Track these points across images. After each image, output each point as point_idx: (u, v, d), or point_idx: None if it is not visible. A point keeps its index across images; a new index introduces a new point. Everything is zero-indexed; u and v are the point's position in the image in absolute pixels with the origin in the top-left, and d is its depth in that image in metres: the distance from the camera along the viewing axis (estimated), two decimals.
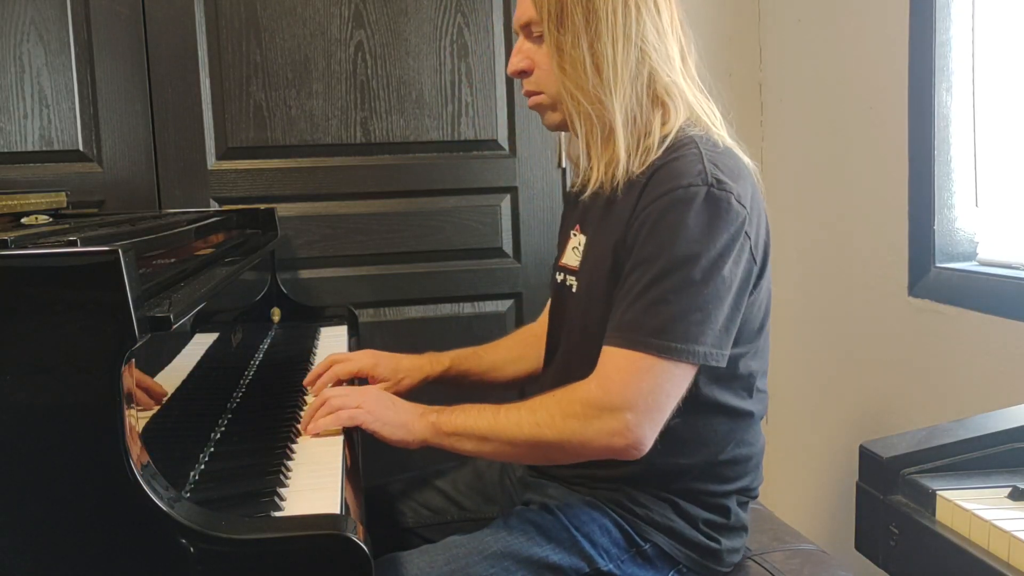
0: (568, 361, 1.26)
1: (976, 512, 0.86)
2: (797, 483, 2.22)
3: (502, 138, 2.13)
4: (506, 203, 2.15)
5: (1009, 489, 0.91)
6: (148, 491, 0.78)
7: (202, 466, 1.04)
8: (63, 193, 1.56)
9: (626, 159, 1.14)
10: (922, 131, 1.65)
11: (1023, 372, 1.43)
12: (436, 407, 1.18)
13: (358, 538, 0.80)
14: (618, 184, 1.15)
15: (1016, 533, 0.81)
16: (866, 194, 1.85)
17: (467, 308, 2.15)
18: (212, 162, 1.99)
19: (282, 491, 0.96)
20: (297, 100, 2.02)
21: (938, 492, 0.92)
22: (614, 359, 1.09)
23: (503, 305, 2.16)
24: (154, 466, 0.81)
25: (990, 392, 1.50)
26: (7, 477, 0.77)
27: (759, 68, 2.25)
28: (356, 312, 1.95)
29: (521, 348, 1.46)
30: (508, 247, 2.16)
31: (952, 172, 1.63)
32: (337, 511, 0.92)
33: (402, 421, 1.17)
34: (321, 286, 2.07)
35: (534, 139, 2.14)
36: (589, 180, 1.18)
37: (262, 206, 1.95)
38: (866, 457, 1.03)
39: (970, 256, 1.65)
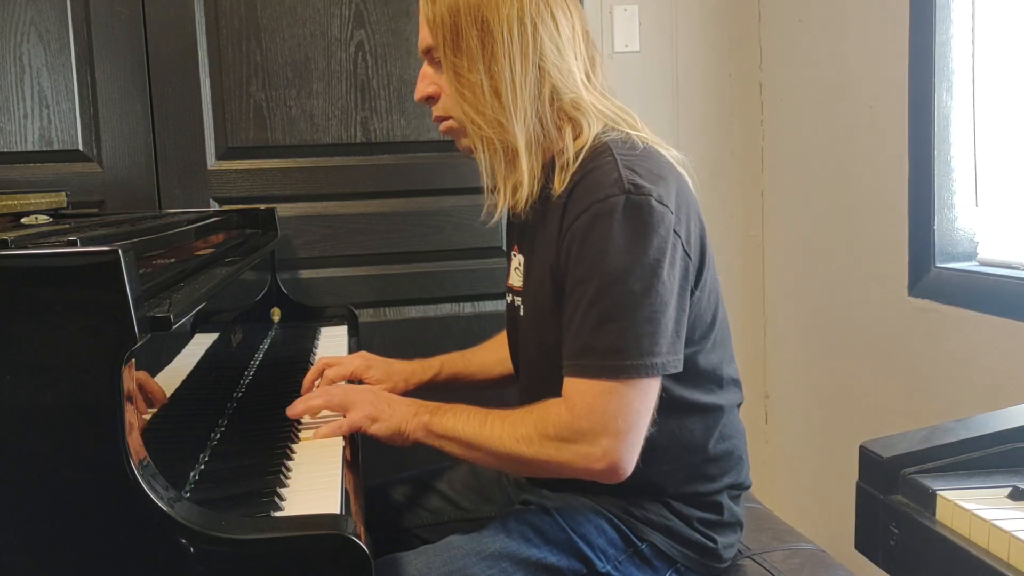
0: (531, 382, 1.26)
1: (976, 512, 0.86)
2: (797, 483, 2.22)
3: None
4: None
5: (1009, 489, 0.91)
6: (148, 491, 0.78)
7: (202, 466, 1.04)
8: (63, 193, 1.56)
9: (530, 181, 1.13)
10: (922, 131, 1.65)
11: (1023, 372, 1.43)
12: (430, 406, 1.18)
13: (358, 538, 0.80)
14: (527, 205, 1.13)
15: (1016, 533, 0.81)
16: (866, 194, 1.85)
17: (467, 308, 2.15)
18: (212, 162, 1.99)
19: (282, 491, 0.96)
20: (297, 100, 2.02)
21: (938, 492, 0.92)
22: (576, 387, 1.08)
23: (503, 305, 2.16)
24: (154, 466, 0.81)
25: (990, 392, 1.50)
26: (7, 477, 0.77)
27: (759, 68, 2.25)
28: (356, 312, 1.95)
29: (505, 348, 1.46)
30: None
31: (952, 172, 1.63)
32: (337, 511, 0.92)
33: (396, 422, 1.17)
34: (321, 286, 2.07)
35: None
36: (496, 207, 1.17)
37: (262, 206, 1.94)
38: (866, 457, 1.03)
39: (970, 256, 1.65)
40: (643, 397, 1.07)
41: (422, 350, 1.48)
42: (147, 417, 0.91)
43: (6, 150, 1.87)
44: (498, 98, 1.12)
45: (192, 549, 0.79)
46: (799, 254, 2.15)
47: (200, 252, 1.36)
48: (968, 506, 0.88)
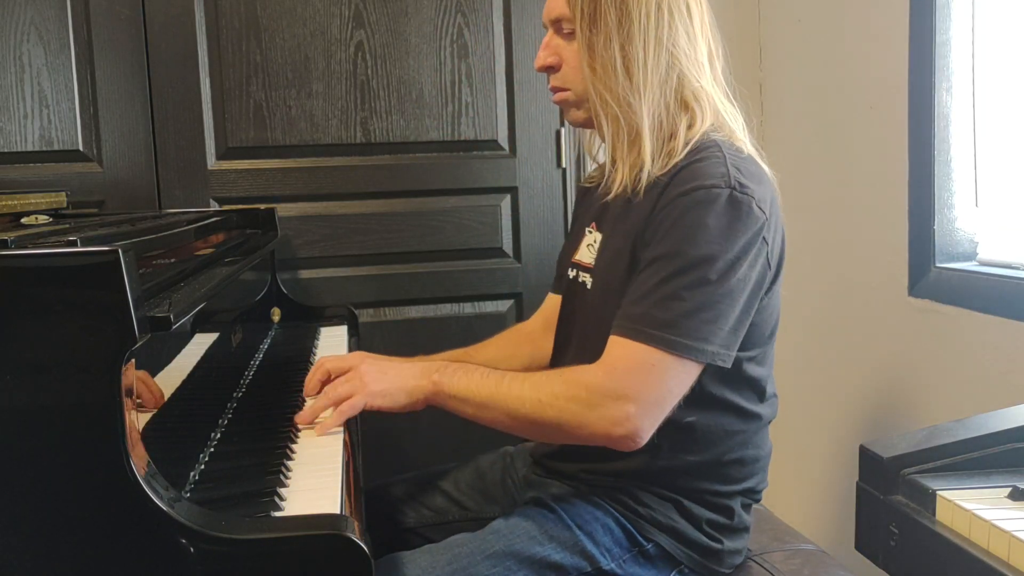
0: (582, 357, 1.25)
1: (976, 512, 0.86)
2: (797, 483, 2.22)
3: (502, 138, 2.13)
4: (506, 203, 2.14)
5: (1009, 489, 0.91)
6: (148, 491, 0.78)
7: (202, 466, 1.04)
8: (63, 193, 1.56)
9: (651, 163, 1.15)
10: (922, 131, 1.65)
11: (1023, 372, 1.43)
12: (437, 364, 1.19)
13: (357, 538, 0.80)
14: (641, 186, 1.16)
15: (1016, 533, 0.81)
16: (866, 194, 1.85)
17: (467, 308, 2.15)
18: (212, 162, 1.99)
19: (282, 491, 0.96)
20: (297, 100, 2.02)
21: (938, 492, 0.92)
22: (622, 349, 1.09)
23: (503, 305, 2.16)
24: (154, 466, 0.81)
25: (990, 392, 1.50)
26: (7, 477, 0.77)
27: (759, 68, 2.25)
28: (356, 312, 1.95)
29: (511, 347, 1.46)
30: (508, 247, 2.16)
31: (952, 172, 1.63)
32: (337, 511, 0.92)
33: (401, 386, 1.17)
34: (321, 286, 2.07)
35: (534, 139, 2.14)
36: (614, 182, 1.19)
37: (262, 206, 1.95)
38: (866, 457, 1.03)
39: (970, 256, 1.64)
40: (681, 378, 1.09)
41: (422, 350, 1.47)
42: (150, 414, 0.91)
43: (6, 150, 1.87)
44: (629, 78, 1.14)
45: (192, 549, 0.79)
46: (799, 254, 2.14)
47: (200, 252, 1.36)
48: (968, 506, 0.88)
